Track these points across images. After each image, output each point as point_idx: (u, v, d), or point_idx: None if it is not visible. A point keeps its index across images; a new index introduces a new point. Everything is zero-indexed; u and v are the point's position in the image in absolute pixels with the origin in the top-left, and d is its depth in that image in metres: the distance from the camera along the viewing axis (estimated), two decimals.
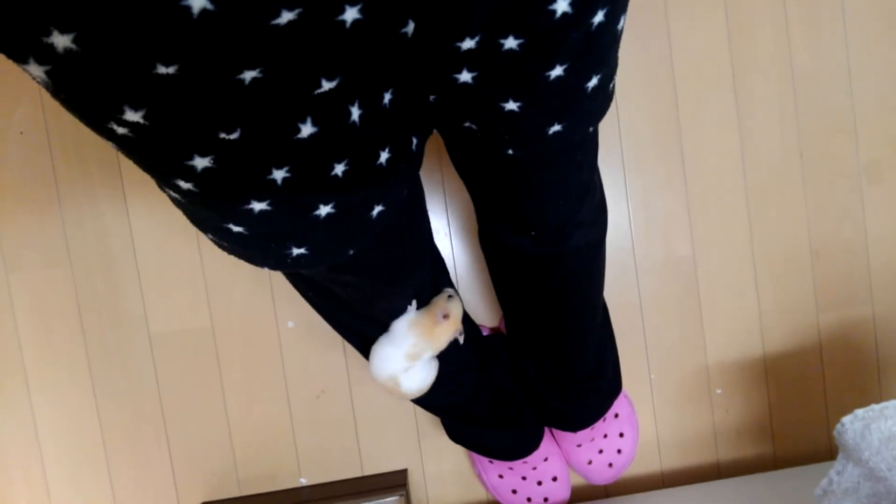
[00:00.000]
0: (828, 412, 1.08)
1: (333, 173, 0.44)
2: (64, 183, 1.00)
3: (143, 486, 1.03)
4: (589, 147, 0.65)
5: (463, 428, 0.94)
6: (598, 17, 0.45)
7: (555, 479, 1.00)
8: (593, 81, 0.51)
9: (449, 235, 1.03)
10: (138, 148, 0.39)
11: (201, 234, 0.60)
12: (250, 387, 1.03)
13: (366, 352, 0.78)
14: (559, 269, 0.77)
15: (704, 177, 1.04)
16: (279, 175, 0.42)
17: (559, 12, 0.43)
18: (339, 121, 0.41)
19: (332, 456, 1.04)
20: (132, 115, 0.36)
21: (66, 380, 1.01)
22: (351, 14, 0.35)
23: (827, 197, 1.06)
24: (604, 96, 0.54)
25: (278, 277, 1.01)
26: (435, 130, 0.60)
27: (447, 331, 0.71)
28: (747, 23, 1.03)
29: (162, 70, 0.33)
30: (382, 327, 0.73)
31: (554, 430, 1.00)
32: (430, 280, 0.75)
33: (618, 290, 1.05)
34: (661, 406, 1.07)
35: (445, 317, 0.70)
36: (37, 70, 0.33)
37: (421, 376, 0.74)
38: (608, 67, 0.52)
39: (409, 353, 0.70)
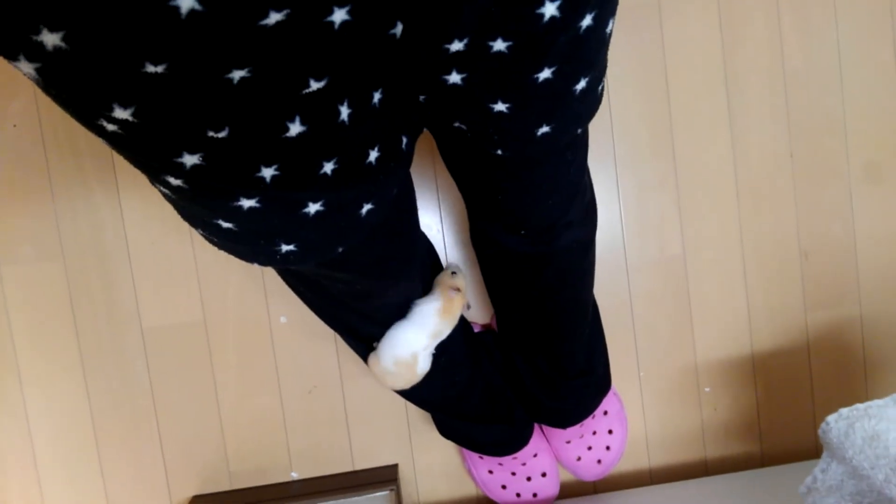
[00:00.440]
0: (815, 411, 1.09)
1: (322, 172, 0.44)
2: (57, 176, 1.00)
3: (134, 479, 1.03)
4: (578, 148, 0.65)
5: (453, 423, 0.94)
6: (587, 21, 0.46)
7: (544, 474, 1.01)
8: (582, 84, 0.51)
9: (441, 232, 1.04)
10: (128, 145, 0.40)
11: (194, 230, 0.61)
12: (242, 381, 1.03)
13: (357, 346, 0.78)
14: (549, 267, 0.78)
15: (696, 176, 1.05)
16: (268, 173, 0.42)
17: (547, 16, 0.43)
18: (327, 120, 0.41)
19: (323, 450, 1.05)
20: (121, 113, 0.36)
21: (59, 373, 1.01)
22: (339, 15, 0.36)
23: (817, 197, 1.07)
24: (592, 98, 0.55)
25: (271, 273, 1.02)
26: (427, 129, 0.61)
27: (459, 304, 0.77)
28: (740, 23, 1.04)
29: (151, 69, 0.33)
30: (375, 323, 0.74)
31: (544, 427, 1.01)
32: (423, 277, 0.76)
33: (608, 289, 1.05)
34: (649, 403, 1.07)
35: (456, 290, 0.76)
36: (27, 67, 0.34)
37: (428, 360, 0.77)
38: (597, 70, 0.52)
39: (433, 332, 0.75)
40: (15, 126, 0.99)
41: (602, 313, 1.01)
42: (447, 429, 0.96)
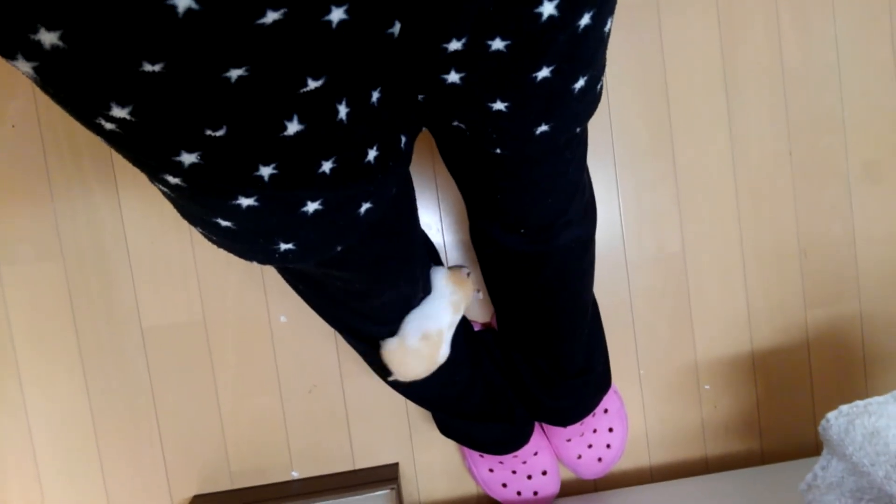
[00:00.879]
0: (815, 408, 1.09)
1: (321, 170, 0.44)
2: (56, 176, 1.00)
3: (135, 478, 1.03)
4: (577, 146, 0.65)
5: (454, 422, 0.94)
6: (585, 20, 0.46)
7: (544, 473, 1.01)
8: (580, 83, 0.51)
9: (441, 231, 1.04)
10: (126, 143, 0.40)
11: (194, 229, 0.61)
12: (243, 381, 1.03)
13: (359, 345, 0.78)
14: (549, 266, 0.78)
15: (695, 174, 1.05)
16: (266, 172, 0.42)
17: (545, 15, 0.43)
18: (326, 119, 0.41)
19: (323, 449, 1.05)
20: (119, 112, 0.36)
21: (59, 373, 1.01)
22: (337, 14, 0.36)
23: (816, 195, 1.07)
24: (591, 98, 0.55)
25: (271, 272, 1.02)
26: (426, 128, 0.61)
27: (471, 286, 0.80)
28: (739, 22, 1.04)
29: (148, 68, 0.33)
30: (377, 322, 0.74)
31: (544, 425, 1.01)
32: (423, 278, 0.76)
33: (608, 287, 1.05)
34: (650, 401, 1.07)
35: (468, 274, 0.80)
36: (25, 66, 0.34)
37: (449, 346, 0.78)
38: (595, 69, 0.52)
39: (453, 301, 0.77)
40: (14, 126, 0.99)
41: (602, 311, 1.01)
42: (447, 427, 0.96)
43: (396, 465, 1.05)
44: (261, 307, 1.02)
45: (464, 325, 0.88)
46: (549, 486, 1.01)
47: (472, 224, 0.81)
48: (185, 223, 1.01)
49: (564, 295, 0.83)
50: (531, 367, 0.92)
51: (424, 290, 0.78)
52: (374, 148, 0.47)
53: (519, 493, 1.01)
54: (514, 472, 1.01)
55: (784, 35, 1.04)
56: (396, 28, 0.41)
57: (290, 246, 0.50)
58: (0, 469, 1.02)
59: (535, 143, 0.55)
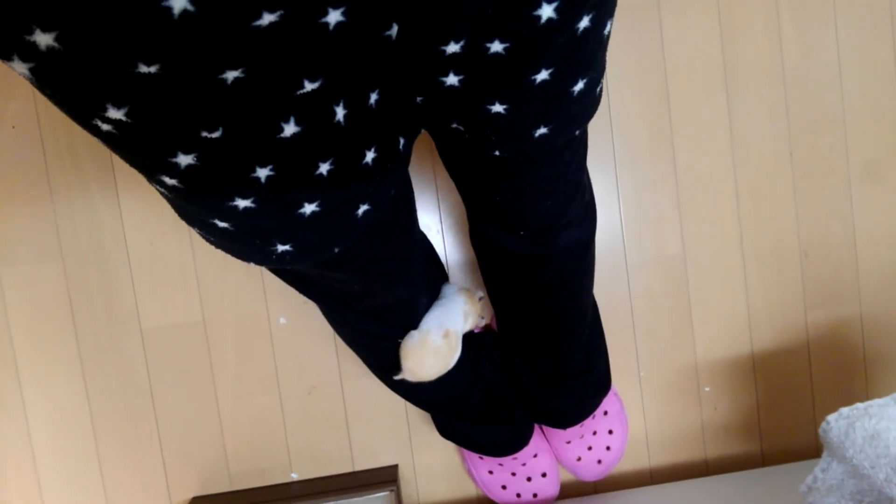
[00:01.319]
0: (815, 410, 1.09)
1: (318, 172, 0.44)
2: (56, 177, 1.00)
3: (134, 479, 1.03)
4: (577, 148, 0.65)
5: (453, 424, 0.94)
6: (584, 23, 0.46)
7: (544, 475, 1.01)
8: (579, 85, 0.51)
9: (441, 232, 1.04)
10: (123, 144, 0.39)
11: (193, 230, 0.61)
12: (242, 382, 1.03)
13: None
14: (549, 267, 0.78)
15: (695, 176, 1.05)
16: (263, 173, 0.42)
17: (544, 17, 0.43)
18: (323, 120, 0.41)
19: (322, 451, 1.05)
20: (115, 113, 0.36)
21: (58, 374, 1.01)
22: (334, 16, 0.36)
23: (816, 196, 1.06)
24: (590, 100, 0.55)
25: (270, 273, 1.02)
26: (425, 130, 0.60)
27: (480, 309, 0.82)
28: (740, 23, 1.03)
29: (144, 69, 0.33)
30: (378, 322, 0.74)
31: (544, 427, 1.01)
32: (424, 280, 0.76)
33: (608, 288, 1.05)
34: (650, 403, 1.07)
35: (480, 299, 0.81)
36: (20, 67, 0.34)
37: (459, 352, 0.80)
38: (594, 71, 0.52)
39: (464, 310, 0.79)
40: (14, 127, 0.99)
41: (602, 313, 1.01)
42: (447, 429, 0.96)
43: (396, 466, 1.05)
44: (260, 308, 1.02)
45: None
46: (548, 488, 1.01)
47: (472, 225, 0.81)
48: (184, 224, 1.01)
49: (564, 296, 0.83)
50: (531, 368, 0.92)
51: (428, 294, 0.78)
52: (372, 150, 0.47)
53: (518, 495, 1.01)
54: (513, 473, 1.00)
55: (785, 35, 1.04)
56: (394, 30, 0.41)
57: (287, 247, 0.50)
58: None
59: (535, 145, 0.55)
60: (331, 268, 0.59)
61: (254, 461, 1.04)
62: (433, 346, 0.76)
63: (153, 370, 1.02)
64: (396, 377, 0.77)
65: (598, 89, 0.56)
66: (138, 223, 1.01)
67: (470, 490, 1.06)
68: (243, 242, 0.50)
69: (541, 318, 0.85)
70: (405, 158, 0.53)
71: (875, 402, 0.70)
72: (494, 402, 0.92)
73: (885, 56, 1.05)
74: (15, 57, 0.33)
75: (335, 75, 0.39)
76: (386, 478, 1.02)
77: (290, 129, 0.40)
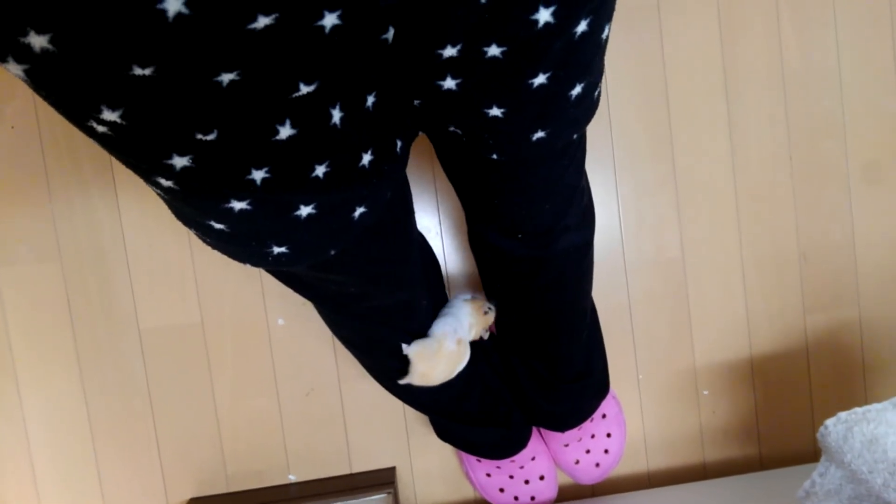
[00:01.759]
0: (813, 414, 1.09)
1: (314, 174, 0.44)
2: (55, 177, 1.00)
3: (131, 481, 1.03)
4: (575, 152, 0.65)
5: (451, 426, 0.94)
6: (581, 27, 0.45)
7: (542, 478, 1.01)
8: (577, 89, 0.51)
9: (440, 234, 1.04)
10: (118, 146, 0.39)
11: (190, 230, 0.61)
12: (240, 383, 1.03)
13: (362, 339, 0.78)
14: (547, 270, 0.78)
15: (694, 179, 1.05)
16: (258, 175, 0.42)
17: (541, 22, 0.43)
18: (318, 123, 0.41)
19: (320, 453, 1.04)
20: (110, 115, 0.36)
21: (56, 374, 1.01)
22: (330, 20, 0.35)
23: (816, 199, 1.06)
24: (588, 104, 0.55)
25: (269, 275, 1.02)
26: (423, 133, 0.60)
27: (486, 322, 0.84)
28: (739, 26, 1.03)
29: (138, 71, 0.33)
30: (377, 324, 0.74)
31: (542, 430, 1.01)
32: (421, 280, 0.75)
33: (607, 291, 1.05)
34: (648, 406, 1.07)
35: (487, 312, 0.83)
36: (15, 69, 0.34)
37: (467, 359, 0.82)
38: (592, 76, 0.52)
39: (470, 322, 0.82)
40: (13, 127, 0.99)
41: (600, 316, 1.01)
42: (445, 431, 0.95)
43: (393, 469, 1.05)
44: (259, 310, 1.02)
45: None
46: (546, 491, 1.01)
47: (471, 228, 0.81)
48: (183, 225, 1.00)
49: (562, 299, 0.83)
50: (529, 371, 0.92)
51: (426, 296, 0.78)
52: (369, 152, 0.47)
53: (516, 498, 1.01)
54: (511, 476, 1.00)
55: (784, 38, 1.04)
56: (390, 34, 0.41)
57: (283, 249, 0.50)
58: None
59: (532, 148, 0.55)
60: (327, 270, 0.58)
61: (251, 462, 1.04)
62: (447, 351, 0.77)
63: (151, 371, 1.02)
64: (402, 381, 0.77)
65: (596, 93, 0.56)
66: (137, 224, 1.01)
67: (468, 492, 1.06)
68: (239, 244, 0.49)
69: (539, 320, 0.85)
70: (402, 161, 0.53)
71: (874, 407, 0.70)
72: (492, 405, 0.92)
73: (884, 59, 1.05)
74: (10, 58, 0.33)
75: (331, 78, 0.39)
76: (384, 480, 1.01)
77: (285, 131, 0.40)
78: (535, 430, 1.00)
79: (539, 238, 0.73)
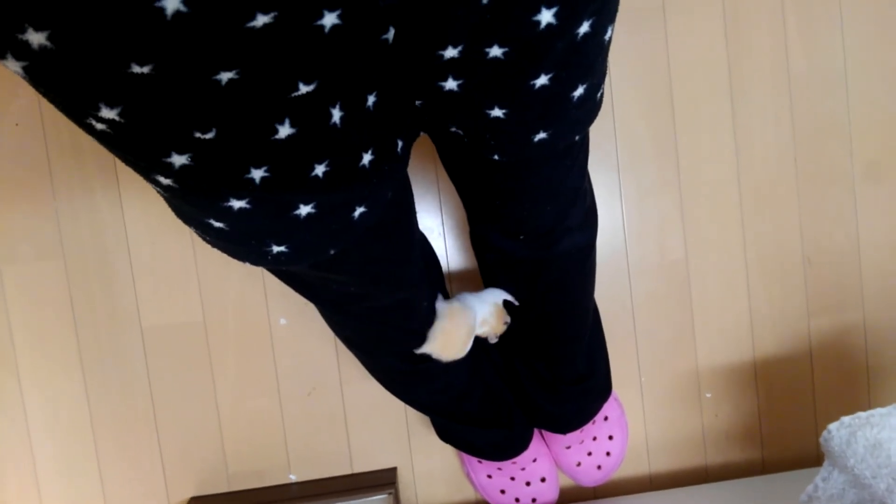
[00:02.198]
0: (817, 418, 1.08)
1: (313, 174, 0.44)
2: (59, 176, 1.00)
3: (132, 479, 1.03)
4: (578, 153, 0.65)
5: (452, 427, 0.94)
6: (584, 28, 0.45)
7: (543, 479, 1.00)
8: (579, 91, 0.51)
9: (443, 235, 1.03)
10: (117, 143, 0.39)
11: (190, 228, 0.61)
12: (241, 382, 1.03)
13: (353, 342, 0.78)
14: (549, 272, 0.77)
15: (699, 180, 1.04)
16: (257, 174, 0.42)
17: (544, 23, 0.43)
18: (318, 123, 0.41)
19: (321, 453, 1.04)
20: (108, 113, 0.36)
21: (58, 372, 1.01)
22: (329, 19, 0.35)
23: (820, 202, 1.06)
24: (590, 105, 0.54)
25: (271, 274, 1.02)
26: (425, 133, 0.60)
27: (496, 329, 0.85)
28: (745, 27, 1.03)
29: (136, 69, 0.33)
30: (377, 324, 0.73)
31: (543, 432, 1.00)
32: (422, 280, 0.75)
33: (610, 293, 1.05)
34: (650, 409, 1.07)
35: (504, 323, 0.85)
36: (14, 66, 0.34)
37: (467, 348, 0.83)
38: (595, 77, 0.52)
39: (485, 318, 0.83)
40: (17, 125, 0.99)
41: (603, 318, 1.00)
42: (446, 432, 0.95)
43: (394, 469, 1.04)
44: (261, 309, 1.02)
45: None
46: (547, 493, 1.01)
47: (472, 229, 0.81)
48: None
49: (565, 301, 0.83)
50: (531, 372, 0.92)
51: (427, 297, 0.77)
52: (369, 152, 0.47)
53: (517, 500, 1.00)
54: (512, 478, 1.00)
55: (790, 39, 1.04)
56: (391, 34, 0.41)
57: (282, 248, 0.50)
58: None
59: (534, 149, 0.55)
60: (328, 269, 0.58)
61: (252, 462, 1.04)
62: (471, 330, 0.80)
63: (153, 370, 1.02)
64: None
65: (599, 94, 0.56)
66: (140, 223, 1.01)
67: (469, 494, 1.06)
68: (239, 242, 0.49)
69: (541, 322, 0.85)
70: (403, 161, 0.53)
71: (877, 412, 0.69)
72: (494, 406, 0.92)
73: (891, 60, 1.05)
74: (8, 55, 0.33)
75: (331, 78, 0.39)
76: (384, 480, 1.01)
77: (284, 130, 0.40)
78: (536, 431, 1.00)
79: (541, 239, 0.73)
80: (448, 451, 1.05)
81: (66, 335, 1.01)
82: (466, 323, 0.79)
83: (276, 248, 0.50)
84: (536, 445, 0.99)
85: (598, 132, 1.03)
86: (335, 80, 0.39)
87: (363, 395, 1.04)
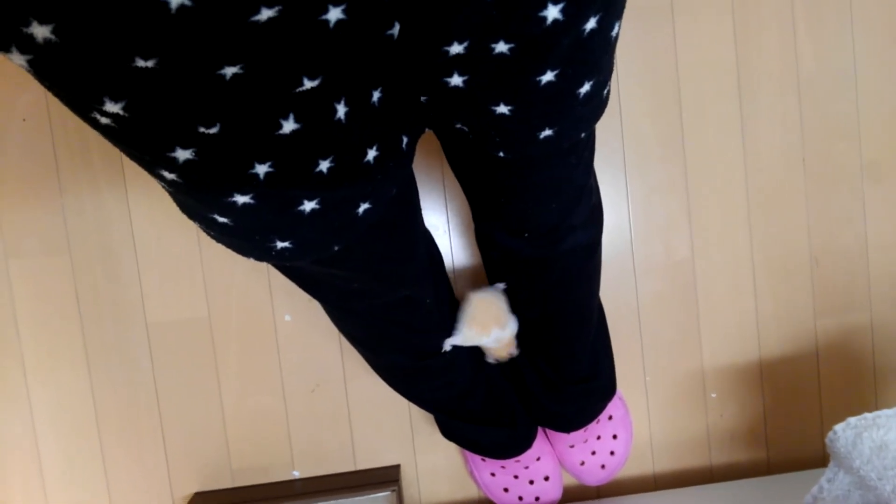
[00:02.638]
0: (822, 419, 1.07)
1: (318, 170, 0.44)
2: (65, 171, 1.00)
3: (137, 474, 1.03)
4: (583, 151, 0.64)
5: (456, 425, 0.94)
6: (591, 24, 0.45)
7: (547, 478, 1.00)
8: (585, 87, 0.50)
9: (448, 232, 1.03)
10: (121, 138, 0.39)
11: (195, 223, 0.61)
12: (246, 378, 1.03)
13: (359, 341, 0.78)
14: (553, 270, 0.77)
15: (706, 180, 1.04)
16: (261, 170, 0.42)
17: (550, 19, 0.42)
18: (323, 118, 0.41)
19: (325, 449, 1.04)
20: (112, 107, 0.36)
21: (63, 367, 1.02)
22: (334, 14, 0.35)
23: (828, 203, 1.05)
24: (597, 103, 0.54)
25: (277, 270, 1.02)
26: (430, 130, 0.60)
27: (496, 354, 0.88)
28: (754, 27, 1.02)
29: (141, 63, 0.33)
30: (381, 320, 0.73)
31: (547, 430, 1.00)
32: (426, 277, 0.75)
33: (615, 292, 1.04)
34: (655, 408, 1.06)
35: (509, 354, 0.87)
36: (19, 59, 0.34)
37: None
38: (601, 74, 0.52)
39: (488, 343, 0.85)
40: (24, 120, 0.99)
41: (608, 317, 1.00)
42: (449, 430, 0.95)
43: (398, 466, 1.04)
44: (266, 305, 1.02)
45: None
46: (551, 492, 1.00)
47: (477, 227, 0.81)
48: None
49: (569, 299, 0.83)
50: (535, 371, 0.91)
51: (432, 294, 0.77)
52: (374, 148, 0.47)
53: (521, 498, 1.00)
54: (516, 476, 1.00)
55: (799, 41, 1.03)
56: (396, 29, 0.41)
57: (286, 244, 0.50)
58: (3, 462, 1.03)
59: (539, 146, 0.55)
60: (331, 265, 0.58)
61: (256, 458, 1.04)
62: (502, 317, 0.83)
63: (158, 365, 1.02)
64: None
65: (605, 91, 0.55)
66: (146, 218, 1.01)
67: (472, 492, 1.06)
68: (242, 238, 0.49)
69: (545, 320, 0.85)
70: (408, 157, 0.53)
71: (884, 413, 0.69)
72: (497, 404, 0.92)
73: None
74: (13, 49, 0.33)
75: (336, 73, 0.39)
76: (388, 478, 1.01)
77: (289, 126, 0.40)
78: (540, 430, 1.00)
79: (545, 237, 0.73)
80: (451, 448, 1.05)
81: (71, 330, 1.01)
82: (497, 307, 0.82)
83: (279, 244, 0.50)
84: (540, 444, 0.99)
85: (605, 131, 1.03)
86: (340, 75, 0.39)
87: (367, 391, 1.04)
